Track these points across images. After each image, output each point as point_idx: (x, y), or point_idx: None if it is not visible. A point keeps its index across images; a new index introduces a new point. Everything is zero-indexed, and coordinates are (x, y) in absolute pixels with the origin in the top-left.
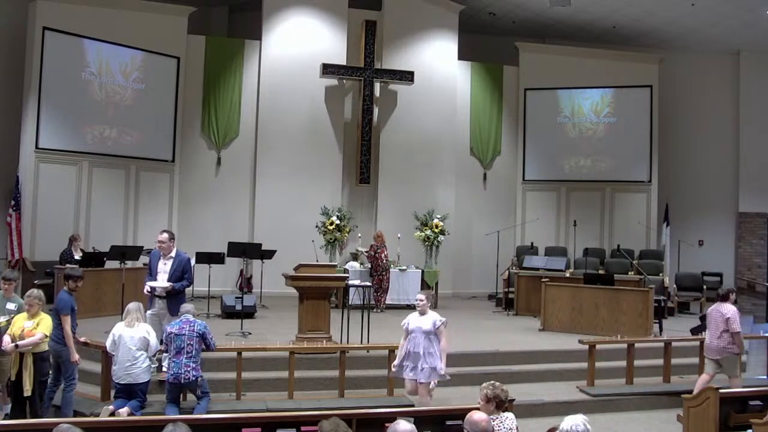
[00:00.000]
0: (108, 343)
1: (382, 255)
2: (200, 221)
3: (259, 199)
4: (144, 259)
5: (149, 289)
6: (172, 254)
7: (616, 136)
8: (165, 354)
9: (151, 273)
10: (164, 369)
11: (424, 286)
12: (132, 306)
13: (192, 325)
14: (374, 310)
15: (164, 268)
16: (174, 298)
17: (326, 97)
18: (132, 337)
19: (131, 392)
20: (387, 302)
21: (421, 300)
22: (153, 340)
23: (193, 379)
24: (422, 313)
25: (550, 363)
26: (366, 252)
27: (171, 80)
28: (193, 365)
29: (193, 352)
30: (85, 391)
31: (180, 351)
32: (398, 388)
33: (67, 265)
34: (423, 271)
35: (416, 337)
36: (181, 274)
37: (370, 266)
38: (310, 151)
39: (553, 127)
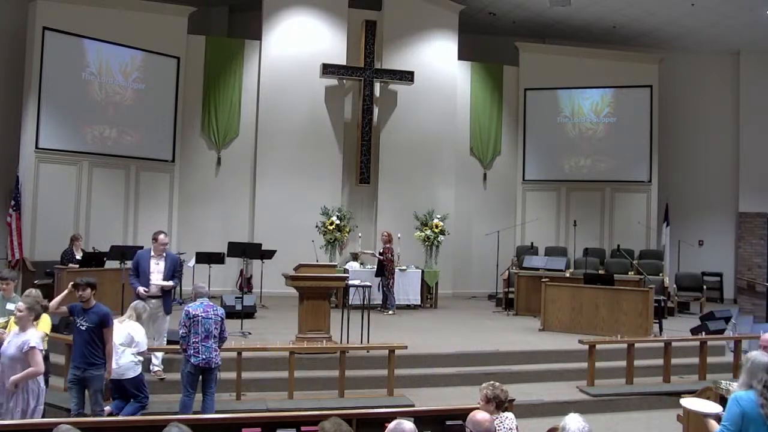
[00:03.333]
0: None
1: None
2: (200, 221)
3: (259, 199)
4: None
5: (145, 290)
6: (164, 254)
7: (616, 136)
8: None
9: (139, 274)
10: (156, 368)
11: (424, 286)
12: (132, 305)
13: (215, 309)
14: (388, 312)
15: (157, 267)
16: (167, 297)
17: (326, 97)
18: (118, 333)
19: (124, 391)
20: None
21: (20, 311)
22: (139, 338)
23: (220, 363)
24: (22, 330)
25: (550, 363)
26: (380, 254)
27: (171, 80)
28: (218, 350)
29: (219, 336)
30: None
31: (208, 335)
32: (398, 388)
33: (70, 265)
34: (423, 271)
35: (3, 362)
36: (173, 272)
37: (378, 267)
38: (310, 151)
39: (553, 127)
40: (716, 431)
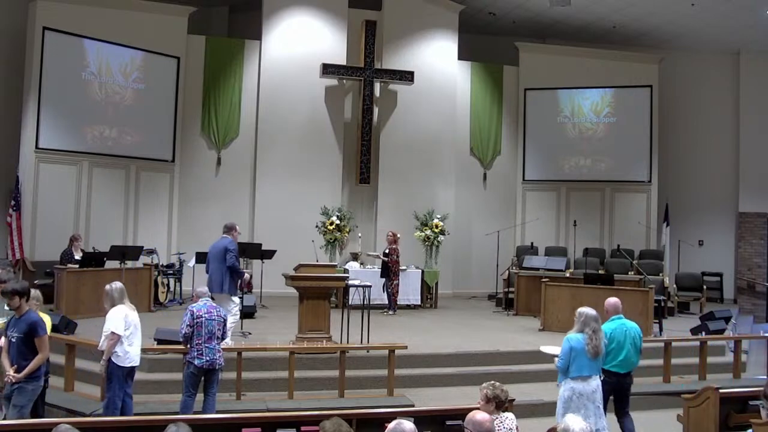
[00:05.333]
0: (121, 326)
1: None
2: (200, 221)
3: (259, 199)
4: (144, 259)
5: None
6: None
7: (616, 136)
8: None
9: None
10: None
11: (424, 286)
12: (123, 286)
13: (218, 310)
14: (388, 312)
15: None
16: None
17: (326, 97)
18: (137, 319)
19: (122, 382)
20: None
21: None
22: None
23: (223, 364)
24: None
25: (550, 363)
26: (385, 254)
27: (171, 80)
28: (221, 351)
29: (221, 337)
30: (85, 391)
31: (212, 336)
32: (398, 388)
33: (68, 265)
34: (423, 271)
35: None
36: None
37: (384, 268)
38: (310, 151)
39: (553, 127)
40: (556, 363)
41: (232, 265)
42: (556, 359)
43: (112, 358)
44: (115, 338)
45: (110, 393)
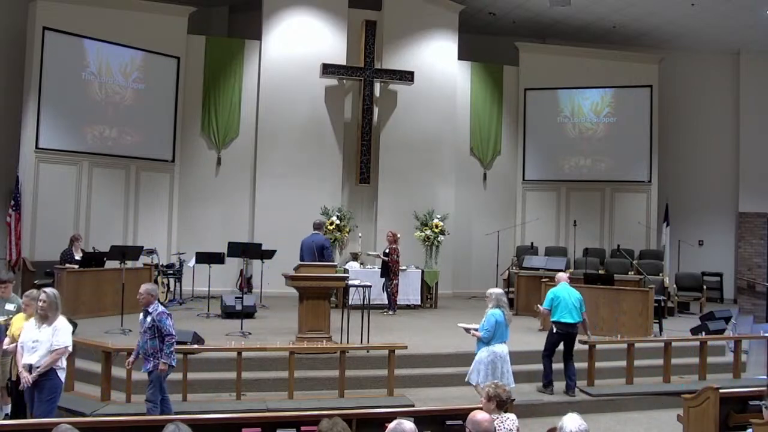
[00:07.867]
0: (71, 340)
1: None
2: (200, 221)
3: (259, 199)
4: (144, 259)
5: None
6: None
7: (616, 136)
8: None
9: None
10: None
11: (424, 286)
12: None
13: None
14: (388, 312)
15: None
16: None
17: (326, 97)
18: None
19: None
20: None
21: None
22: None
23: None
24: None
25: None
26: (385, 254)
27: (171, 80)
28: None
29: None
30: (85, 391)
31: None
32: (398, 388)
33: (67, 265)
34: (423, 271)
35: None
36: None
37: (384, 268)
38: (310, 151)
39: (553, 127)
40: (481, 335)
41: (331, 261)
42: (474, 331)
43: (58, 372)
44: (64, 353)
45: (52, 405)
